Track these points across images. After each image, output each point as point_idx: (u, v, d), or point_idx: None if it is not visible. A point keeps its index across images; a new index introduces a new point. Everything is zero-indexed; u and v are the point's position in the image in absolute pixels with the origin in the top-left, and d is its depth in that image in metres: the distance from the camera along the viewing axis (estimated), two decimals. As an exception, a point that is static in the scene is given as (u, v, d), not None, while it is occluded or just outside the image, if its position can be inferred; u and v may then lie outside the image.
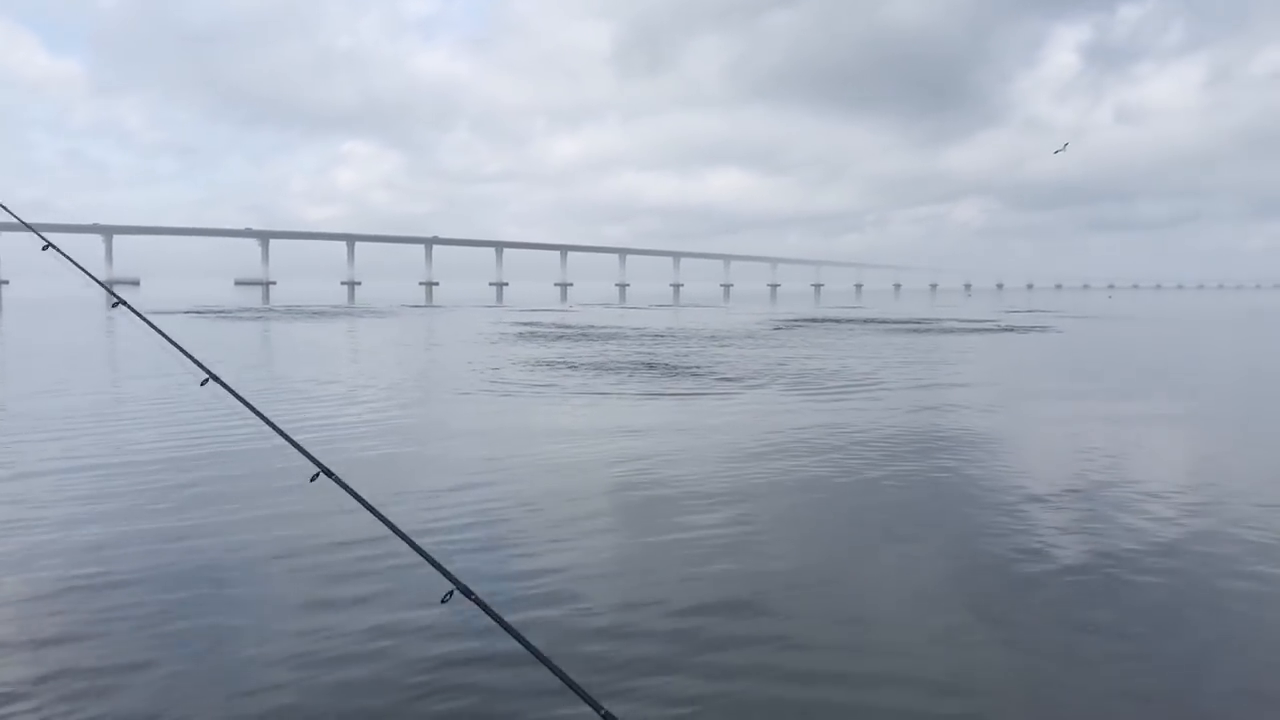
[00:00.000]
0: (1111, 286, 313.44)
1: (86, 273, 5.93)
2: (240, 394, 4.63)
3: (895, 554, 8.39)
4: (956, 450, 13.00)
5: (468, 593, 3.45)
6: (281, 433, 4.29)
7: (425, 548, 3.68)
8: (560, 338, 37.72)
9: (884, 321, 54.61)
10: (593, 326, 47.04)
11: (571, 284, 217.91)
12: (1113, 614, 6.78)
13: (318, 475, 4.12)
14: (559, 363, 26.02)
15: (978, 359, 29.85)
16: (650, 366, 24.98)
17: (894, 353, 30.39)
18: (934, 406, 17.69)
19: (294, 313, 61.89)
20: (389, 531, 3.74)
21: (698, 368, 24.66)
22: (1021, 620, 6.75)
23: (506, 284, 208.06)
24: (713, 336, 39.06)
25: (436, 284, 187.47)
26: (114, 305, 5.87)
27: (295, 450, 4.17)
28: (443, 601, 3.43)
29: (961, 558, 8.18)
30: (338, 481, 4.01)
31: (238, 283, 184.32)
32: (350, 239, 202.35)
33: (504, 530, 8.93)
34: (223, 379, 4.77)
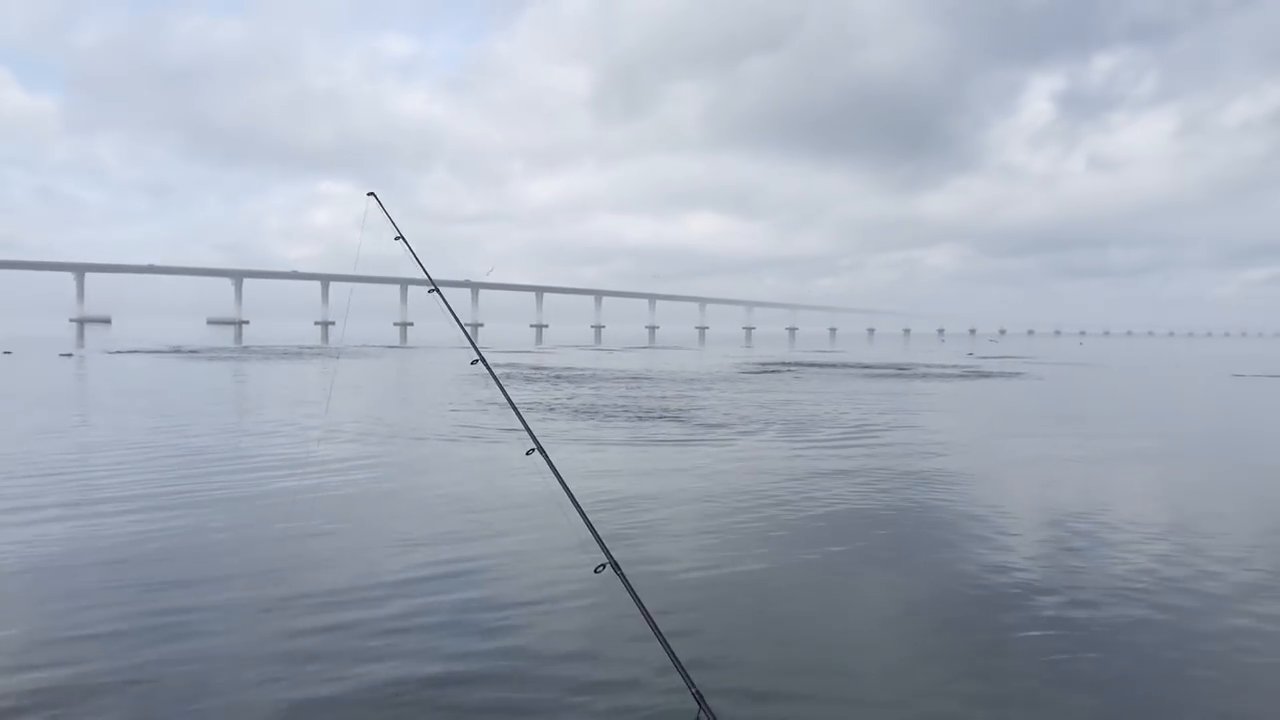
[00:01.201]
0: (1083, 333, 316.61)
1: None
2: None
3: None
4: (952, 490, 12.87)
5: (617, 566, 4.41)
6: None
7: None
8: (538, 380, 37.50)
9: (865, 366, 54.71)
10: (570, 368, 46.86)
11: (547, 325, 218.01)
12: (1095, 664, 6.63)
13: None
14: (538, 404, 25.80)
15: (964, 406, 29.84)
16: (644, 414, 24.79)
17: (877, 399, 30.27)
18: (932, 453, 17.59)
19: (266, 353, 61.35)
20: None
21: (682, 411, 24.52)
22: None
23: (482, 325, 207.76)
24: (694, 379, 38.97)
25: (411, 324, 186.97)
26: (473, 363, 6.34)
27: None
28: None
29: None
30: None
31: (210, 321, 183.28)
32: (324, 279, 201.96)
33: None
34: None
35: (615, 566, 4.29)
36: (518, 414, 5.52)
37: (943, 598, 8.40)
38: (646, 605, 3.97)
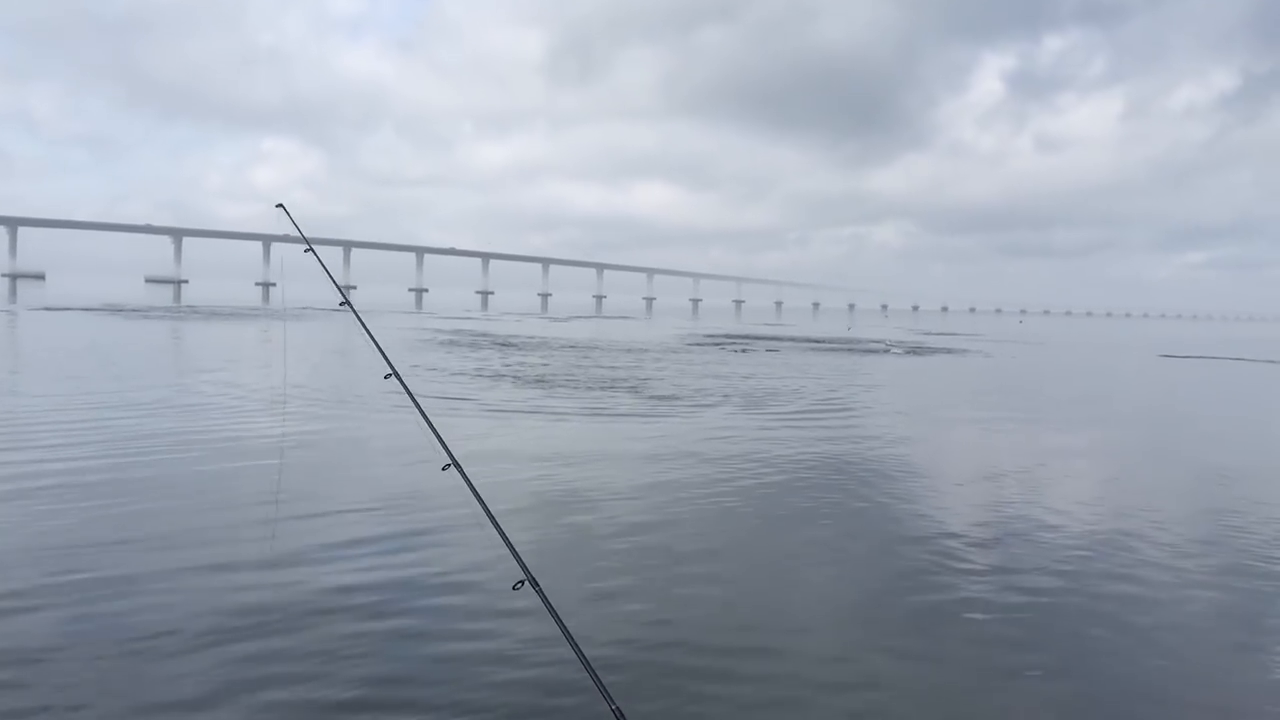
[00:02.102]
0: (1023, 311, 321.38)
1: None
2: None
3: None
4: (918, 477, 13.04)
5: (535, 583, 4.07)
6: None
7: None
8: (487, 346, 37.27)
9: (815, 340, 55.03)
10: (516, 336, 46.65)
11: (493, 292, 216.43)
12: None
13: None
14: (499, 374, 25.64)
15: (918, 382, 30.17)
16: (597, 384, 24.73)
17: (831, 374, 30.31)
18: (891, 431, 17.79)
19: (207, 313, 60.29)
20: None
21: (640, 383, 24.51)
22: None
23: (427, 290, 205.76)
24: (644, 350, 38.96)
25: (354, 288, 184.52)
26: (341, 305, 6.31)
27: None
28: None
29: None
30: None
31: (148, 280, 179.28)
32: (266, 239, 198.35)
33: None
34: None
35: (534, 583, 4.08)
36: (432, 428, 5.38)
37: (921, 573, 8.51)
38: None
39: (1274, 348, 67.07)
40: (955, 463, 15.19)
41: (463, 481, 4.74)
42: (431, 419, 5.19)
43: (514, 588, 4.09)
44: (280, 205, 6.61)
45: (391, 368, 5.67)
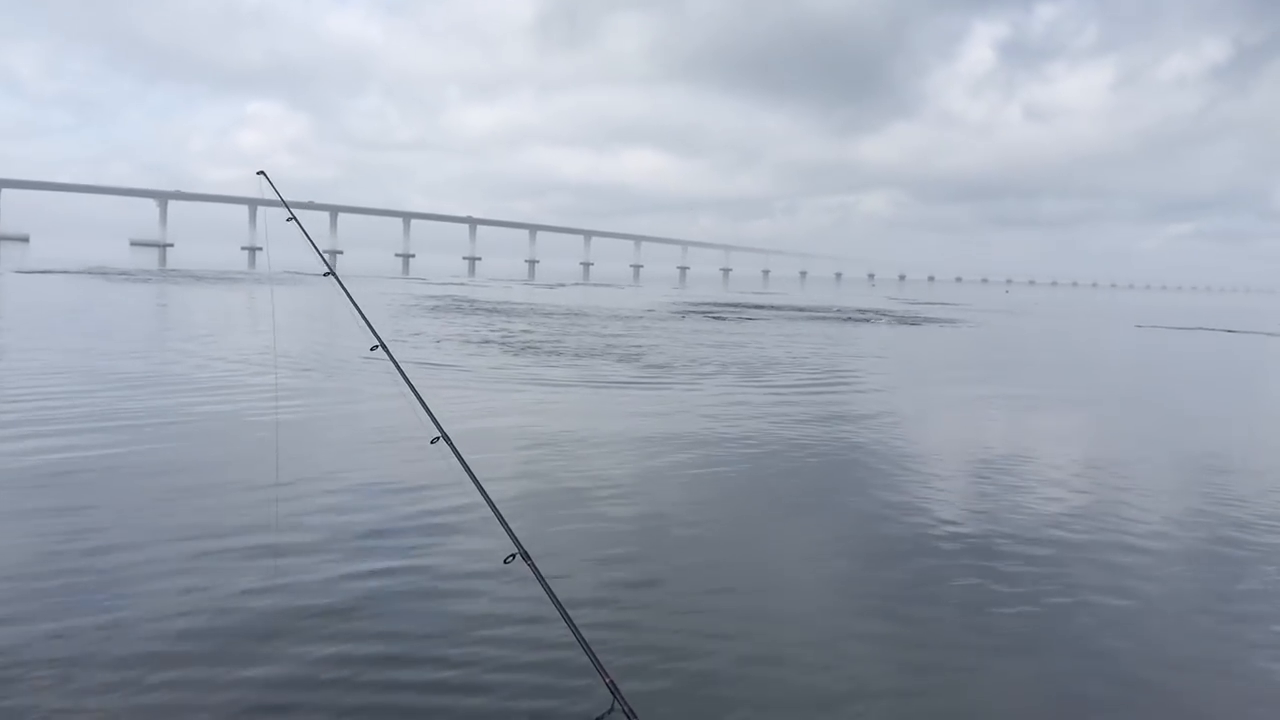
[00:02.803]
0: (1009, 281, 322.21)
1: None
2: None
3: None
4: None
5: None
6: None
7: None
8: (475, 311, 37.12)
9: (807, 309, 55.01)
10: (507, 302, 46.50)
11: (480, 258, 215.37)
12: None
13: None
14: (488, 340, 25.54)
15: (914, 352, 30.16)
16: (607, 351, 24.66)
17: (826, 344, 30.36)
18: (895, 404, 17.80)
19: (194, 278, 59.84)
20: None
21: (635, 351, 24.44)
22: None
23: (413, 256, 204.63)
24: (635, 318, 38.87)
25: (341, 253, 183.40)
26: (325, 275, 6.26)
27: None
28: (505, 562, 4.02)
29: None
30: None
31: (133, 243, 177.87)
32: (253, 203, 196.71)
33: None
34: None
35: (526, 557, 4.02)
36: (421, 402, 5.31)
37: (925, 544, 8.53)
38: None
39: (1245, 318, 67.57)
40: (960, 438, 15.22)
41: (453, 454, 4.68)
42: (422, 390, 5.11)
43: (505, 561, 4.03)
44: (261, 172, 6.48)
45: (379, 340, 5.56)
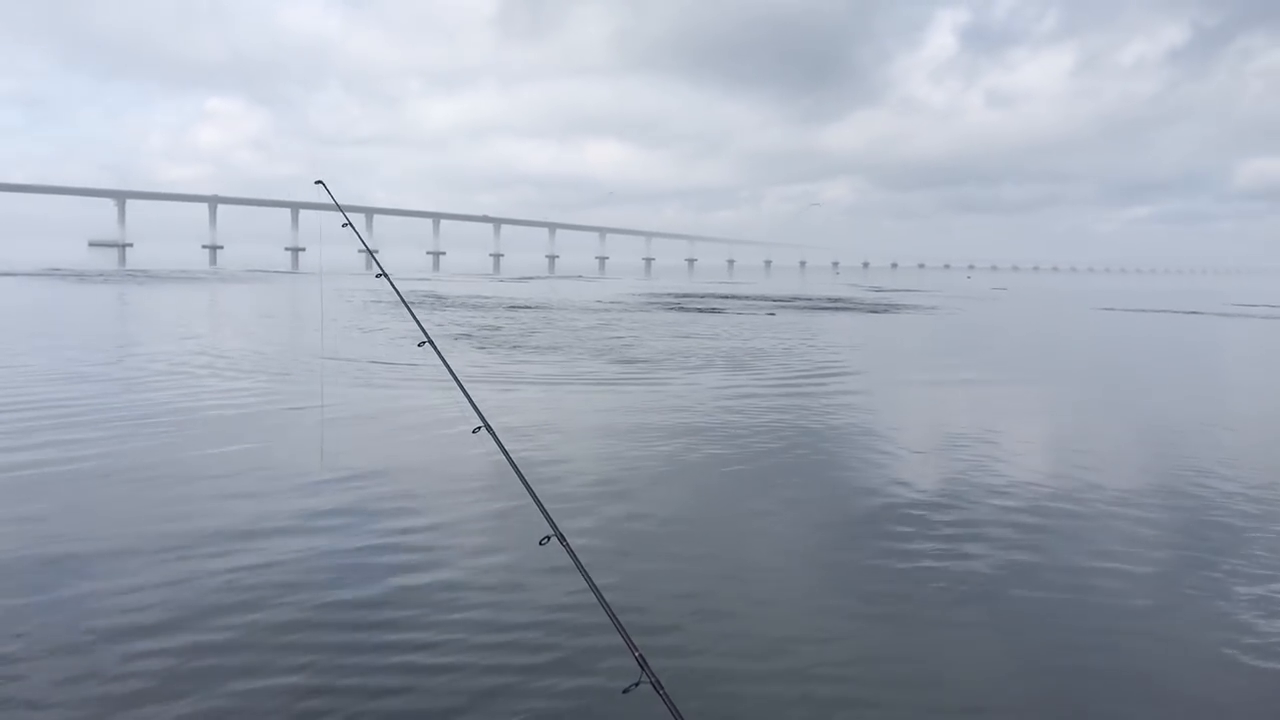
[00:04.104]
0: (971, 267, 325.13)
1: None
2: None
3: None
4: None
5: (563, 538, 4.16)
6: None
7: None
8: (447, 307, 36.89)
9: (775, 299, 55.15)
10: (477, 296, 46.26)
11: (444, 253, 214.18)
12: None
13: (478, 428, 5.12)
14: (469, 335, 25.36)
15: (895, 343, 30.25)
16: (578, 344, 24.56)
17: (808, 334, 30.11)
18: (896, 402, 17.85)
19: (153, 277, 59.07)
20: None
21: (623, 347, 24.34)
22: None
23: (377, 251, 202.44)
24: (605, 310, 38.81)
25: (303, 249, 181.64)
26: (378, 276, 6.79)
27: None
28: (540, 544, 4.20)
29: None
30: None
31: (91, 244, 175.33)
32: (213, 201, 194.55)
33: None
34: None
35: (561, 538, 4.17)
36: (465, 392, 5.41)
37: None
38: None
39: (1201, 300, 68.62)
40: (951, 425, 15.30)
41: (488, 446, 4.94)
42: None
43: (540, 543, 4.20)
44: (320, 182, 7.17)
45: (427, 336, 6.07)
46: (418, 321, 6.43)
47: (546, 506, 4.48)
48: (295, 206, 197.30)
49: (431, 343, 5.94)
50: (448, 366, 5.80)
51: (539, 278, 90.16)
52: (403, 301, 6.58)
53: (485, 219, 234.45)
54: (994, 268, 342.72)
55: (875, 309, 47.31)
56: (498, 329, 28.12)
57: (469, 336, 25.72)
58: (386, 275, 6.52)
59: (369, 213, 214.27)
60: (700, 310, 41.32)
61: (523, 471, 4.76)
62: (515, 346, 23.22)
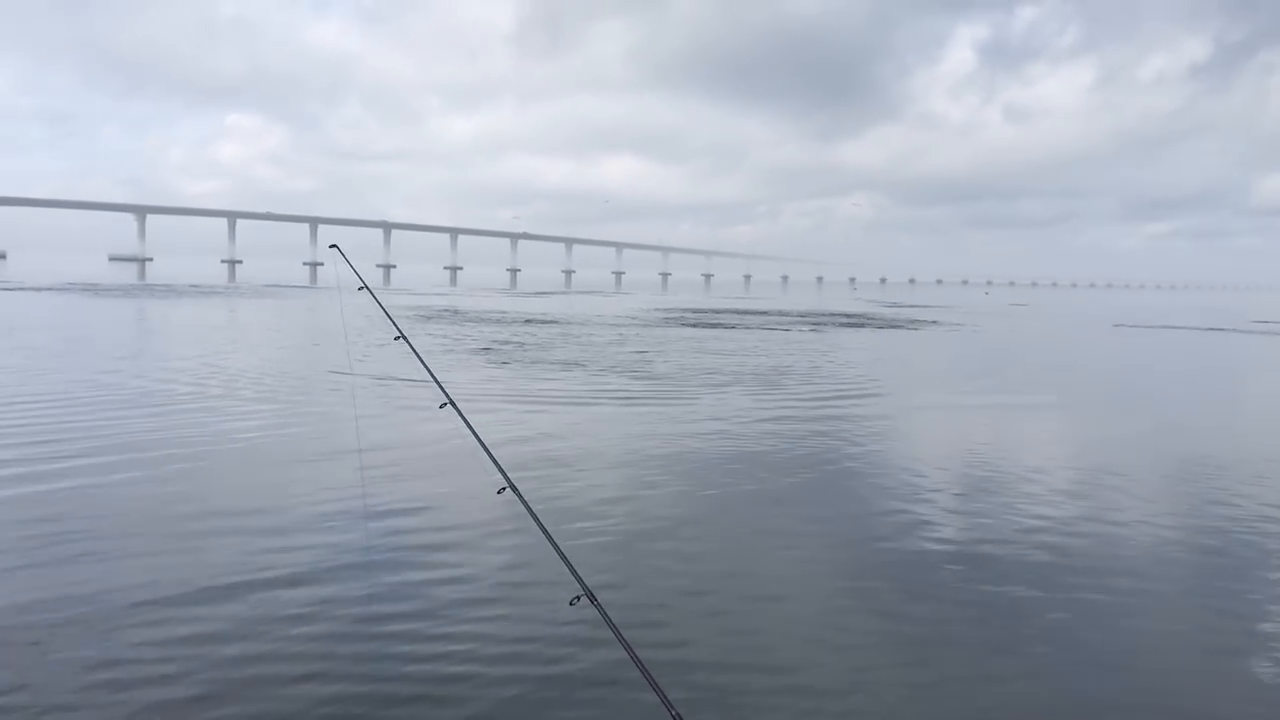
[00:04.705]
0: (989, 282, 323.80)
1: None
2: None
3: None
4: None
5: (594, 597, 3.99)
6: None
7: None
8: (467, 321, 37.04)
9: (795, 314, 55.17)
10: (496, 310, 46.41)
11: (462, 268, 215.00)
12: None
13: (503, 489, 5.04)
14: (488, 349, 25.54)
15: (929, 360, 30.19)
16: (597, 360, 24.68)
17: (833, 351, 30.02)
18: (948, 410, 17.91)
19: (174, 291, 59.54)
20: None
21: (640, 364, 24.35)
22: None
23: (394, 266, 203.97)
24: (624, 326, 38.84)
25: (320, 264, 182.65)
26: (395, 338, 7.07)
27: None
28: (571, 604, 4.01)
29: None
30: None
31: (112, 258, 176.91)
32: (232, 216, 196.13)
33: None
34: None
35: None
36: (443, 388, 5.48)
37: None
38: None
39: (1222, 316, 68.14)
40: (1011, 454, 15.36)
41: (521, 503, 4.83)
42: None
43: (571, 603, 3.99)
44: (334, 246, 7.96)
45: (448, 398, 6.05)
46: (439, 384, 6.11)
47: (577, 562, 4.25)
48: (314, 221, 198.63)
49: (454, 404, 5.90)
50: (472, 430, 5.57)
51: (556, 293, 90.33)
52: (423, 365, 6.79)
53: (503, 234, 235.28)
54: (1012, 283, 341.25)
55: (895, 324, 47.22)
56: (520, 344, 28.22)
57: (487, 350, 25.88)
58: (405, 337, 7.03)
59: (387, 228, 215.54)
60: (720, 326, 41.36)
61: (549, 530, 4.51)
62: (534, 362, 23.31)
